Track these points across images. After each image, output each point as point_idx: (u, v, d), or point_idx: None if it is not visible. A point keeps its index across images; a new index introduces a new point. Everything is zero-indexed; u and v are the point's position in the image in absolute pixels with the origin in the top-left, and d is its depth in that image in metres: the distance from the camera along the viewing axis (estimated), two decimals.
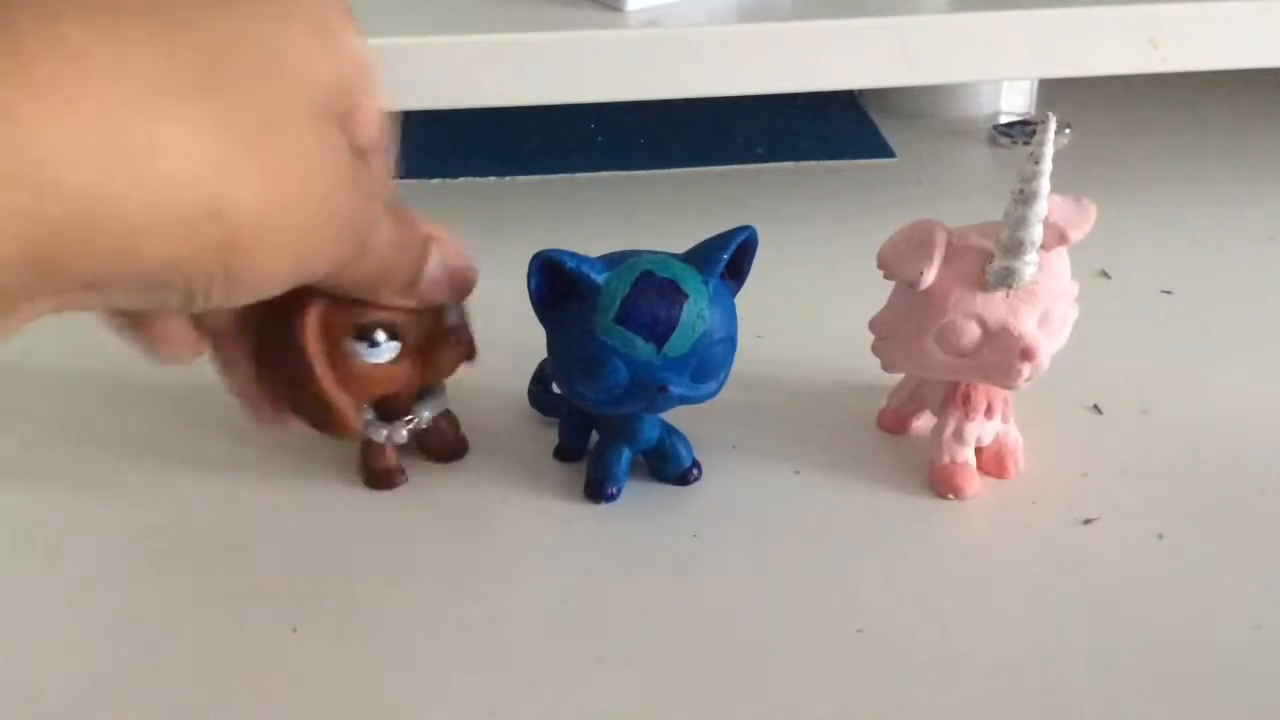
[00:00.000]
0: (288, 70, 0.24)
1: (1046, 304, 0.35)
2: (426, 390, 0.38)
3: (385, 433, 0.38)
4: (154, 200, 0.21)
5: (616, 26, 0.47)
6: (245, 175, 0.22)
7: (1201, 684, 0.31)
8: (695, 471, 0.39)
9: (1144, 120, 0.68)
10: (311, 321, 0.31)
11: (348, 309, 0.32)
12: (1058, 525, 0.37)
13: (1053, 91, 0.70)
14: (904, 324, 0.36)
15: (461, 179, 0.62)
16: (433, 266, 0.31)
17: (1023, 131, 0.65)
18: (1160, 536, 0.36)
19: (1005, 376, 0.35)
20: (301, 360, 0.32)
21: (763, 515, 0.37)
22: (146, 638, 0.33)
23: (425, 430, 0.38)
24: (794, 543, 0.36)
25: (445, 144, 0.65)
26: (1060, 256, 0.35)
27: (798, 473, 0.39)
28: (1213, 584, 0.34)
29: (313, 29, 0.25)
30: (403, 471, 0.39)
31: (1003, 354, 0.35)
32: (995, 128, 0.66)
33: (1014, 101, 0.69)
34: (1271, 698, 0.31)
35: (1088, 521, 0.37)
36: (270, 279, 0.25)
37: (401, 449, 0.39)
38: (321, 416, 0.33)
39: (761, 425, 0.41)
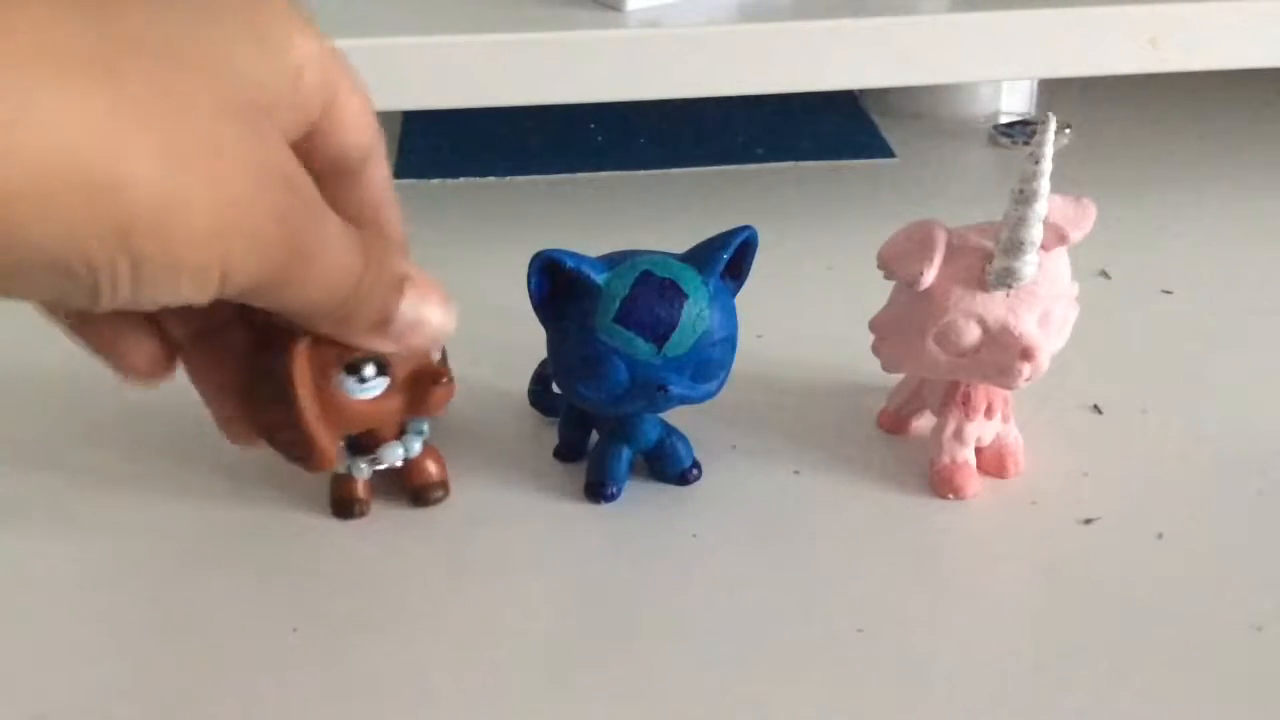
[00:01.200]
0: (200, 59, 0.23)
1: (1046, 304, 0.35)
2: (405, 429, 0.37)
3: (347, 465, 0.37)
4: (26, 164, 0.20)
5: (616, 26, 0.47)
6: (141, 148, 0.21)
7: (1201, 684, 0.31)
8: (695, 471, 0.39)
9: (1144, 120, 0.68)
10: (300, 354, 0.30)
11: (338, 343, 0.30)
12: (1058, 525, 0.37)
13: (1053, 91, 0.70)
14: (904, 324, 0.36)
15: (461, 179, 0.62)
16: (407, 309, 0.29)
17: (1023, 131, 0.65)
18: (1160, 536, 0.36)
19: (1005, 376, 0.35)
20: (287, 395, 0.30)
21: (763, 515, 0.37)
22: (142, 645, 0.33)
23: (405, 467, 0.37)
24: (794, 543, 0.36)
25: (445, 144, 0.65)
26: (1060, 256, 0.35)
27: (798, 473, 0.39)
28: (1213, 584, 0.34)
29: (245, 33, 0.24)
30: (366, 503, 0.38)
31: (1003, 354, 0.35)
32: (995, 128, 0.66)
33: (1014, 101, 0.69)
34: (1271, 698, 0.31)
35: (1088, 521, 0.37)
36: (186, 271, 0.23)
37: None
38: (301, 451, 0.32)
39: (761, 425, 0.41)
